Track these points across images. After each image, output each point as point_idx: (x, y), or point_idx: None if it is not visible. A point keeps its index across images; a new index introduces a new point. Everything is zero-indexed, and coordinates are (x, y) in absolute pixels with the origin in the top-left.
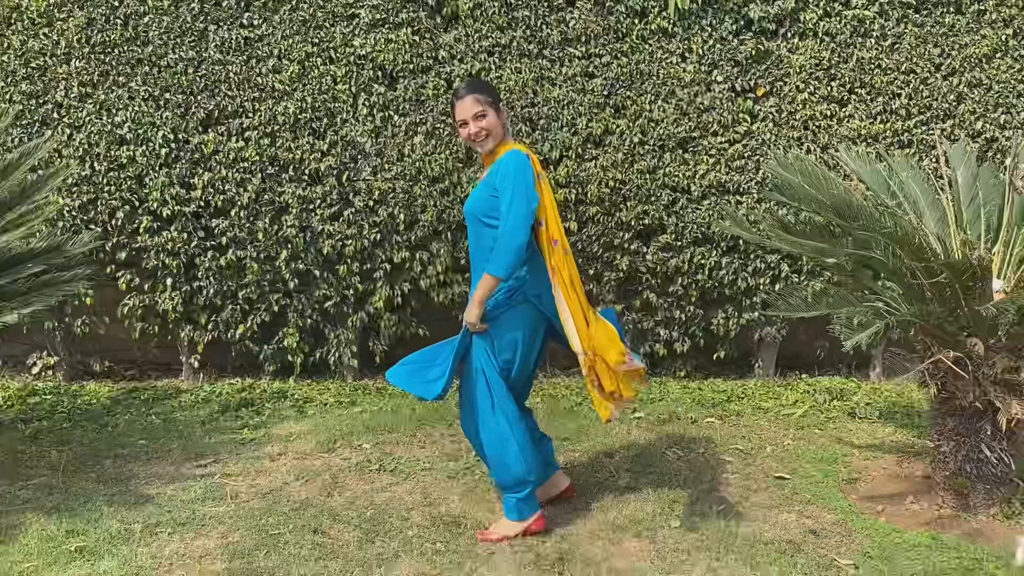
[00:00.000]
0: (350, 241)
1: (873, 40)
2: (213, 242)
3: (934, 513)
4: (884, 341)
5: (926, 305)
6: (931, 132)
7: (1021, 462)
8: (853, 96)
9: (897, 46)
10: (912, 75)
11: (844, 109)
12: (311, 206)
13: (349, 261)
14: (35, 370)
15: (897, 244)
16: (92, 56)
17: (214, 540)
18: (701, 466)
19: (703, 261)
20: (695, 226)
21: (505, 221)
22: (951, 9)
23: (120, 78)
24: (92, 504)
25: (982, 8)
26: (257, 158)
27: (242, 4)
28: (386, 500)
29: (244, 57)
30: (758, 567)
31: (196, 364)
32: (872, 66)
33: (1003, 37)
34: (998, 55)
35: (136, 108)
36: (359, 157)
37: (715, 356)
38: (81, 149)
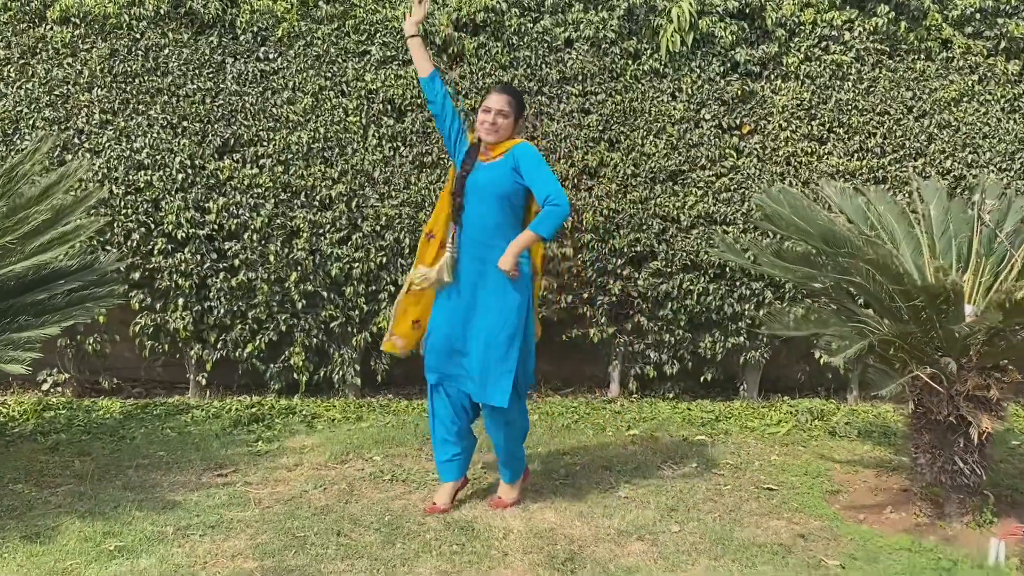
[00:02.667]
0: (357, 264)
1: (850, 83)
2: (225, 264)
3: (912, 521)
4: (860, 365)
5: (904, 326)
6: (903, 169)
7: (992, 473)
8: (832, 135)
9: (872, 89)
10: (886, 116)
11: (823, 147)
12: (321, 230)
13: (356, 283)
14: (45, 386)
15: (878, 270)
16: (114, 85)
17: (243, 541)
18: (695, 479)
19: (691, 287)
20: (684, 253)
21: (556, 193)
22: (922, 56)
23: (140, 106)
24: (123, 508)
25: (950, 56)
26: (271, 184)
27: (259, 39)
28: (401, 507)
29: (260, 89)
30: (753, 566)
31: (203, 382)
32: (849, 107)
33: (969, 83)
34: (965, 99)
35: (155, 135)
36: (367, 185)
37: (702, 378)
38: (101, 174)
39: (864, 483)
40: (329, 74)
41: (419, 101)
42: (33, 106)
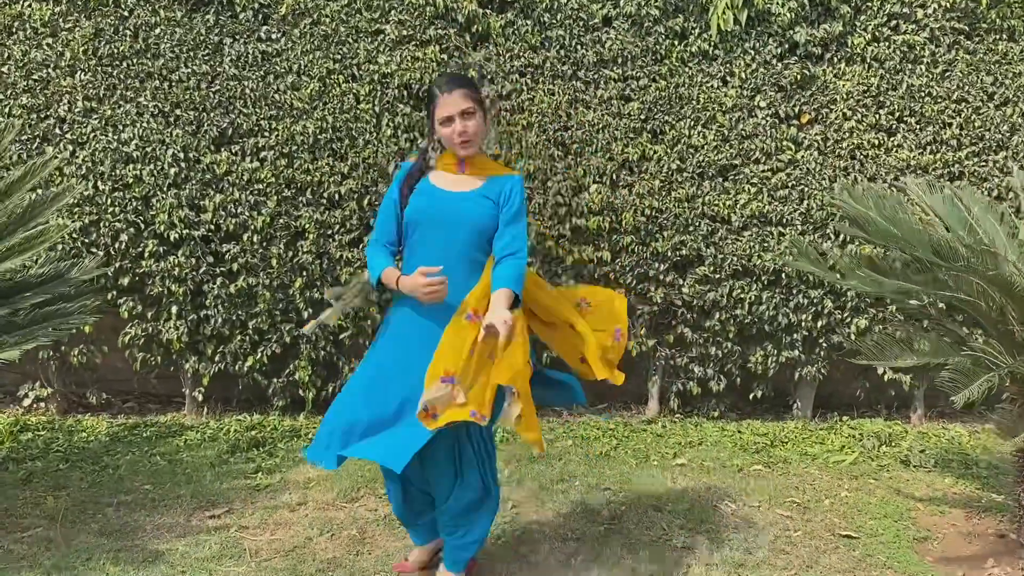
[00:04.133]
0: None
1: (923, 67)
2: (223, 268)
3: None
4: (926, 381)
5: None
6: (983, 164)
7: None
8: (902, 125)
9: (948, 73)
10: (964, 104)
11: (892, 138)
12: (329, 231)
13: None
14: (27, 402)
15: (999, 288)
16: (99, 69)
17: None
18: (759, 522)
19: (742, 295)
20: (735, 258)
21: (524, 247)
22: (1004, 36)
23: (128, 92)
24: (95, 562)
25: None
26: (273, 180)
27: (260, 17)
28: None
29: (261, 73)
30: None
31: (200, 397)
32: (922, 94)
33: None
34: None
35: (144, 125)
36: (381, 180)
37: (751, 396)
38: (84, 167)
39: (954, 527)
40: (338, 56)
41: None
42: (9, 92)
